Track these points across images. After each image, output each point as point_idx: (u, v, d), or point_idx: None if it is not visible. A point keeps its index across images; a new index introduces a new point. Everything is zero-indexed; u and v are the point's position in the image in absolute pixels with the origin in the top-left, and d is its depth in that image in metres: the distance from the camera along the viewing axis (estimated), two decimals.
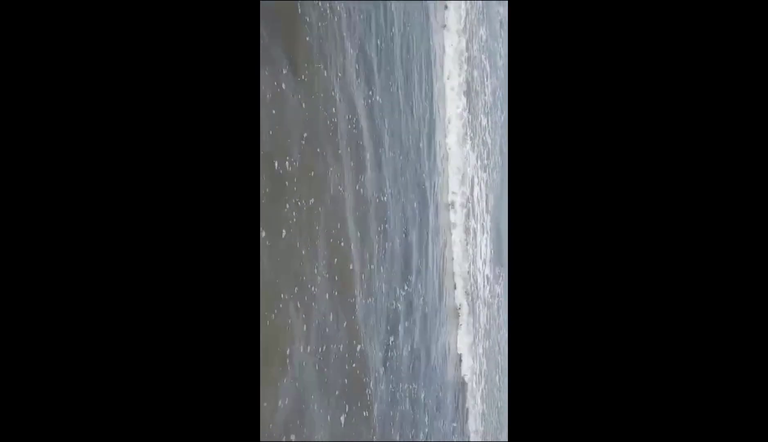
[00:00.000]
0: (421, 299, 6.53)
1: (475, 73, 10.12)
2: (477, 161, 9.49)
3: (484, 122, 10.38)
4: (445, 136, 7.62)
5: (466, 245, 7.73)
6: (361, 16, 5.12)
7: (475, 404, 7.98)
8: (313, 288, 3.95)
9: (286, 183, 3.65)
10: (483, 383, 8.44)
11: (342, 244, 4.51)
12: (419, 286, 6.47)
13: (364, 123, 5.11)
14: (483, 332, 8.69)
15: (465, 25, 8.53)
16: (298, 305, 3.75)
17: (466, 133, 8.34)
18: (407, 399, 5.98)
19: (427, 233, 6.78)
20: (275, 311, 3.50)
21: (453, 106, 7.85)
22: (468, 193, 8.00)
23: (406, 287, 6.10)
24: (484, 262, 9.50)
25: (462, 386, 7.54)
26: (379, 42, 5.55)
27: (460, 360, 7.40)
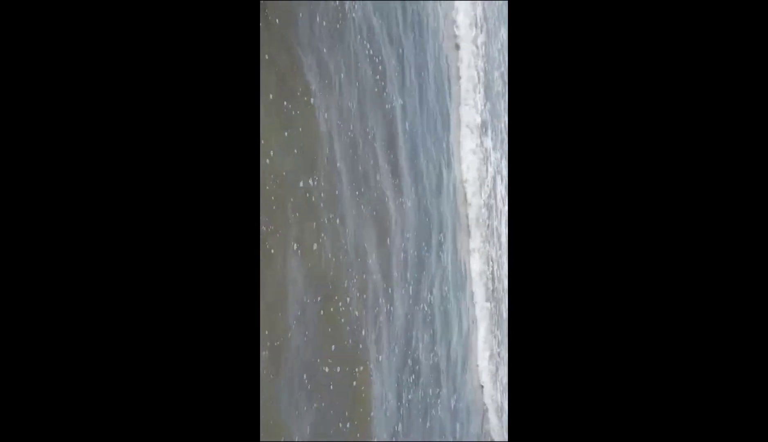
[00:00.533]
0: (447, 304, 6.52)
1: (496, 74, 10.05)
2: (502, 160, 9.43)
3: (504, 125, 10.31)
4: (461, 139, 7.58)
5: (488, 247, 7.68)
6: (381, 22, 5.12)
7: (500, 410, 7.92)
8: (339, 302, 3.96)
9: (313, 199, 3.68)
10: None
11: (367, 254, 4.53)
12: (444, 291, 6.46)
13: (386, 132, 5.13)
14: None
15: (479, 29, 8.46)
16: (323, 314, 3.77)
17: (485, 134, 8.29)
18: (438, 406, 5.97)
19: (449, 238, 6.75)
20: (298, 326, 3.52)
21: (470, 109, 7.80)
22: (486, 195, 7.95)
23: (432, 293, 6.09)
24: None
25: (482, 391, 7.49)
26: (399, 48, 5.54)
27: (478, 366, 7.35)
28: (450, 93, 7.26)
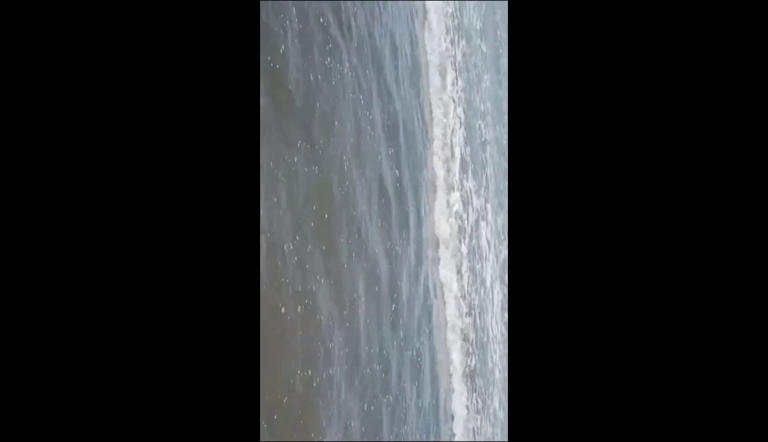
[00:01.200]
0: (427, 352, 6.32)
1: (480, 123, 10.08)
2: (486, 205, 9.32)
3: (489, 173, 10.25)
4: (436, 187, 7.50)
5: (471, 294, 7.44)
6: (371, 75, 5.27)
7: None
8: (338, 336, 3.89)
9: (297, 259, 3.70)
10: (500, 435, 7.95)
11: (360, 303, 4.52)
12: (425, 339, 6.29)
13: (375, 182, 5.20)
14: (501, 386, 8.28)
15: (458, 77, 8.54)
16: (315, 372, 3.72)
17: (465, 179, 8.22)
18: None
19: (430, 287, 6.61)
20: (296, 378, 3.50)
21: (445, 157, 7.76)
22: (467, 240, 7.78)
23: (417, 344, 6.00)
24: (503, 308, 9.14)
25: None
26: (386, 102, 5.63)
27: (452, 419, 6.96)
28: (424, 142, 7.25)
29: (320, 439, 3.80)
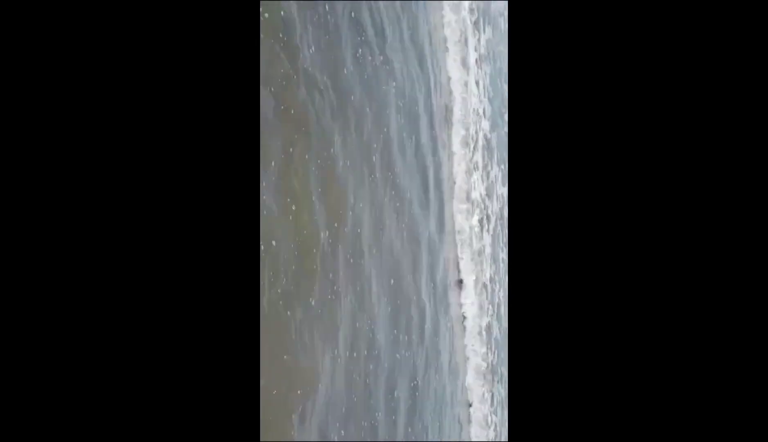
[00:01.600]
0: (449, 342, 6.25)
1: (506, 117, 9.93)
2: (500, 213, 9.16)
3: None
4: (455, 176, 7.37)
5: (493, 286, 7.29)
6: (407, 74, 5.36)
7: None
8: (363, 325, 3.88)
9: (331, 244, 3.70)
10: None
11: (388, 294, 4.53)
12: (449, 328, 6.22)
13: (419, 181, 5.29)
14: None
15: (481, 60, 8.38)
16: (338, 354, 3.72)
17: (489, 165, 8.06)
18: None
19: (451, 275, 6.52)
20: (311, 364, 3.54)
21: (468, 151, 7.62)
22: (487, 232, 7.62)
23: (444, 331, 5.96)
24: None
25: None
26: (414, 90, 5.67)
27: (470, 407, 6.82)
28: (449, 129, 7.15)
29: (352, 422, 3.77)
